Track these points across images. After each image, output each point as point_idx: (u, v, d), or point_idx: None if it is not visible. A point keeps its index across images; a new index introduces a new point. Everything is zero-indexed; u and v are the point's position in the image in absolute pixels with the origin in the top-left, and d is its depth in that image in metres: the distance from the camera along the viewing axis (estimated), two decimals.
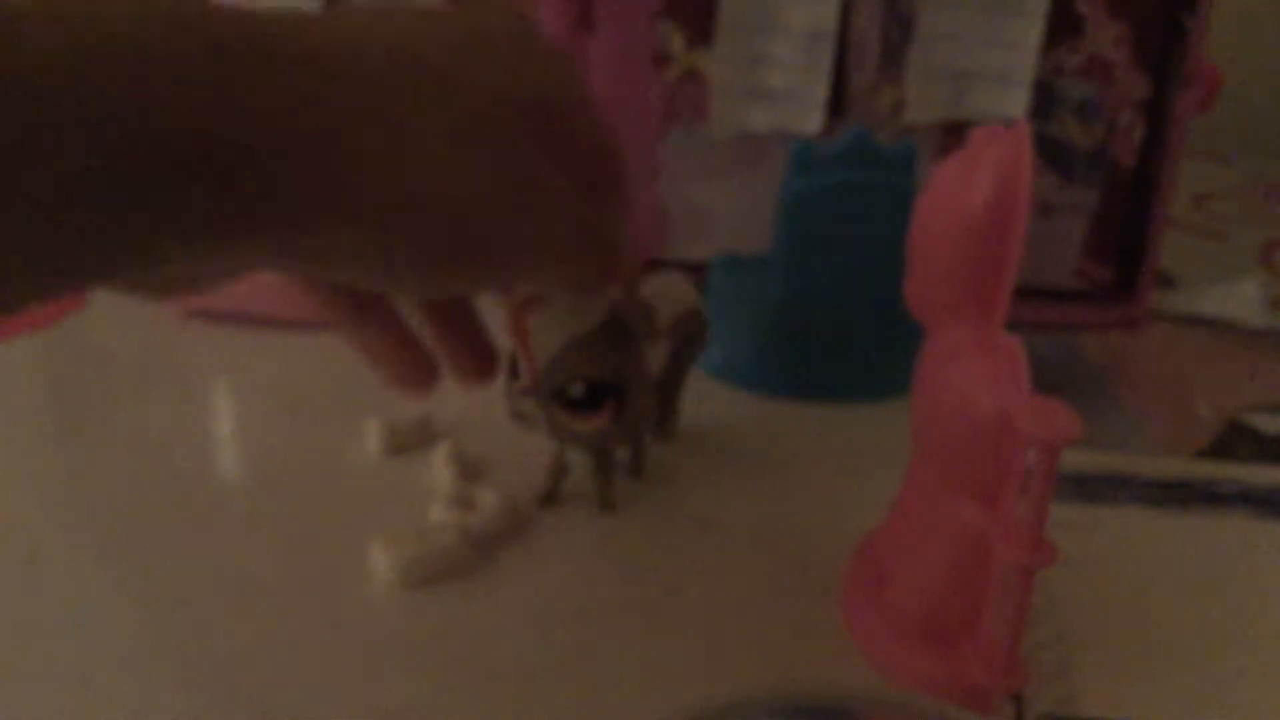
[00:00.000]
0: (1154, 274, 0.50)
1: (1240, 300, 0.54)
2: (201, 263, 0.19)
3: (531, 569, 0.34)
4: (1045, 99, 0.48)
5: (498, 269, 0.24)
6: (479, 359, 0.29)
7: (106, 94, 0.16)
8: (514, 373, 0.34)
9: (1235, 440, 0.43)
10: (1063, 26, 0.47)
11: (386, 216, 0.20)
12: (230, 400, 0.45)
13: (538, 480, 0.36)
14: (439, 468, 0.38)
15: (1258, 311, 0.53)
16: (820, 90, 0.49)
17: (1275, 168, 0.77)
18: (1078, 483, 0.39)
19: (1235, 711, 0.29)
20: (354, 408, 0.40)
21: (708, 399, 0.44)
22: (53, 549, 0.34)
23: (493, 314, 0.30)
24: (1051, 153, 0.50)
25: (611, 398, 0.33)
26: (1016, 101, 0.48)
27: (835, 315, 0.43)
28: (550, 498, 0.36)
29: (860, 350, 0.44)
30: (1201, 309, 0.53)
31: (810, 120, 0.49)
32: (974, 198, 0.26)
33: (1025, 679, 0.28)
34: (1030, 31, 0.47)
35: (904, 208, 0.29)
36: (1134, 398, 0.46)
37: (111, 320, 0.49)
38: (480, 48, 0.23)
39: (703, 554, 0.35)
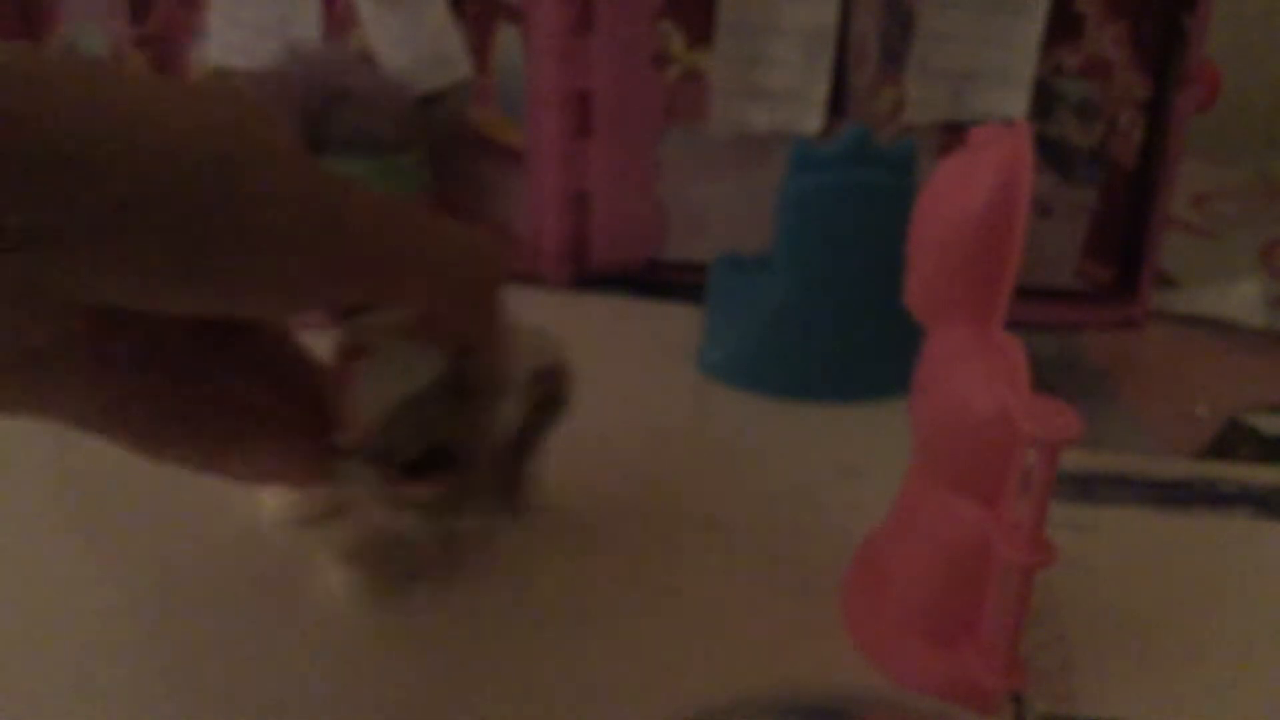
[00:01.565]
0: (1154, 274, 0.50)
1: (1240, 300, 0.54)
2: None
3: (528, 569, 0.34)
4: (1045, 99, 0.48)
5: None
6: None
7: None
8: None
9: (1235, 440, 0.43)
10: (1063, 26, 0.47)
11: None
12: None
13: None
14: None
15: (1258, 311, 0.53)
16: (820, 90, 0.49)
17: (1275, 168, 0.77)
18: (1078, 483, 0.39)
19: (1235, 711, 0.29)
20: None
21: (708, 399, 0.44)
22: (37, 548, 0.34)
23: None
24: (1051, 153, 0.49)
25: (448, 464, 0.29)
26: (1016, 101, 0.48)
27: (835, 315, 0.43)
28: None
29: (860, 350, 0.44)
30: (1201, 309, 0.53)
31: (810, 120, 0.49)
32: (974, 198, 0.26)
33: (1025, 679, 0.28)
34: (1030, 31, 0.47)
35: (904, 208, 0.29)
36: (1134, 398, 0.46)
37: None
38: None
39: (703, 554, 0.35)
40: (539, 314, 0.51)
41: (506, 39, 0.52)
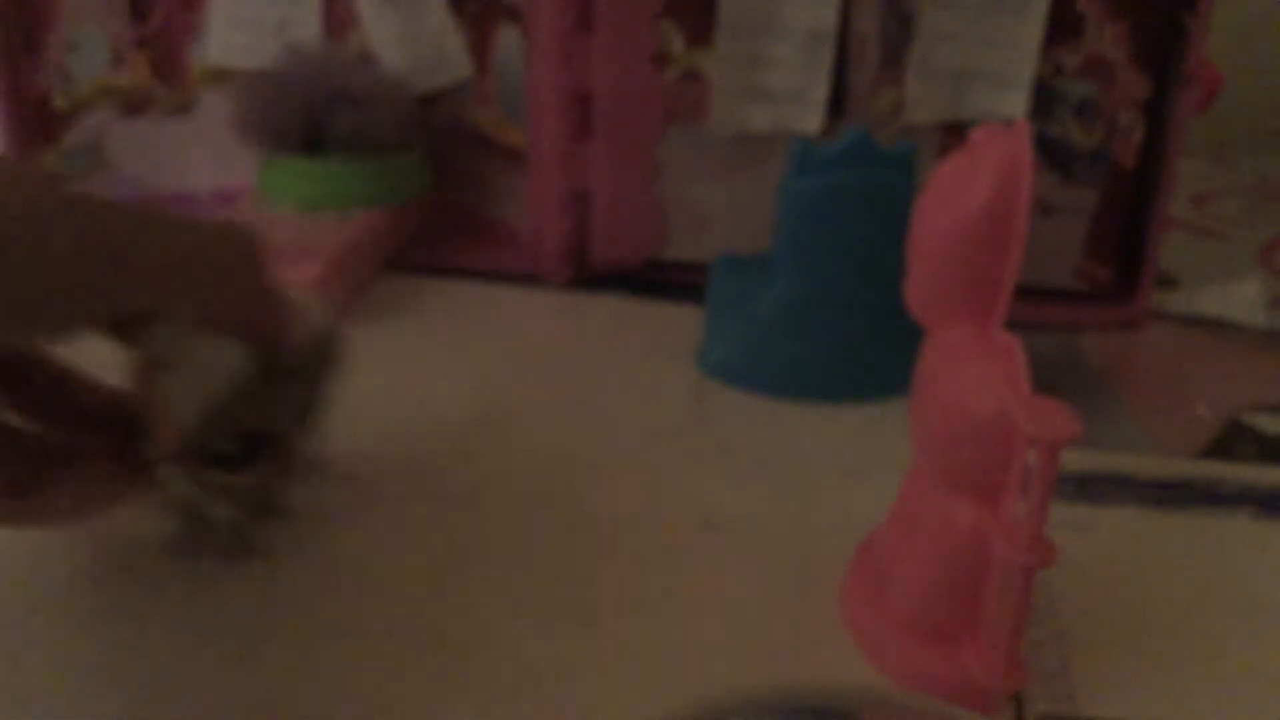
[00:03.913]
0: (1154, 274, 0.50)
1: (1240, 300, 0.54)
2: None
3: (527, 568, 0.34)
4: (1045, 99, 0.48)
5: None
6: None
7: None
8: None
9: (1236, 440, 0.43)
10: (1063, 26, 0.47)
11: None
12: None
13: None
14: None
15: (1258, 311, 0.53)
16: (820, 90, 0.49)
17: (1275, 168, 0.77)
18: (1078, 483, 0.39)
19: (1235, 711, 0.29)
20: None
21: (708, 399, 0.44)
22: None
23: None
24: (1051, 153, 0.50)
25: (263, 449, 0.30)
26: (1016, 101, 0.48)
27: (835, 315, 0.43)
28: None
29: (860, 350, 0.44)
30: (1201, 309, 0.53)
31: (810, 120, 0.49)
32: (974, 198, 0.26)
33: (1025, 679, 0.28)
34: (1030, 31, 0.47)
35: (904, 208, 0.29)
36: (1134, 398, 0.46)
37: None
38: None
39: (703, 554, 0.35)
40: (539, 314, 0.51)
41: (506, 39, 0.52)
